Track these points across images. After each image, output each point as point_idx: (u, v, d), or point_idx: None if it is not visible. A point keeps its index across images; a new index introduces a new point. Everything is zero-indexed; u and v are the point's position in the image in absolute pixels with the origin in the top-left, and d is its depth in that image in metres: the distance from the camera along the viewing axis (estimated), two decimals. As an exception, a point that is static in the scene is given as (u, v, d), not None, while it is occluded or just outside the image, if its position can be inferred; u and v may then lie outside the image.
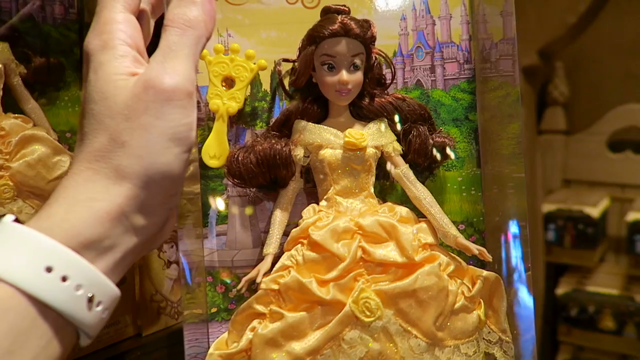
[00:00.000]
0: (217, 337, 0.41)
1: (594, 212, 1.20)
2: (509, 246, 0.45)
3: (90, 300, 0.30)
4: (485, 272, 0.42)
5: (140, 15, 0.37)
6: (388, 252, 0.39)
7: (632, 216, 1.19)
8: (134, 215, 0.33)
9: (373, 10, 0.46)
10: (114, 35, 0.35)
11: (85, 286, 0.30)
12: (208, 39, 0.36)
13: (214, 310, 0.45)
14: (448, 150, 0.44)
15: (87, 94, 0.34)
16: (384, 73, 0.45)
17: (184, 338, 0.44)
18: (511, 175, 0.47)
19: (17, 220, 0.31)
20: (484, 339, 0.41)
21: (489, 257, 0.41)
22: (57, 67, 0.57)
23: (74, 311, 0.30)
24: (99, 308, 0.31)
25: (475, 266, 0.43)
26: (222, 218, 0.46)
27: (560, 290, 1.21)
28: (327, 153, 0.41)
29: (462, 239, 0.41)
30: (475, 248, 0.40)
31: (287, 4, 0.45)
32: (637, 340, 1.19)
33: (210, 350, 0.40)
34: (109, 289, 0.32)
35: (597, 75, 1.21)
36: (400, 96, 0.44)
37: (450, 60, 0.47)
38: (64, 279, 0.29)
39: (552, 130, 1.26)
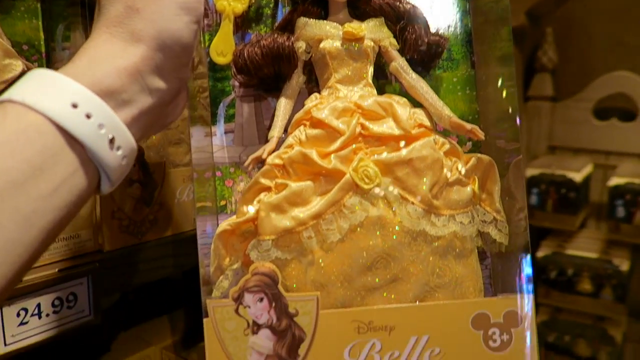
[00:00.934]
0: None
1: (577, 177, 1.23)
2: (504, 135, 0.48)
3: (112, 142, 0.33)
4: (479, 155, 0.44)
5: None
6: (385, 126, 0.41)
7: (614, 181, 1.22)
8: (149, 76, 0.36)
9: None
10: None
11: (107, 127, 0.32)
12: None
13: (222, 202, 0.47)
14: (442, 47, 0.47)
15: None
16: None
17: (197, 229, 0.46)
18: (504, 74, 0.49)
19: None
20: (479, 220, 0.44)
21: (481, 135, 0.43)
22: None
23: (97, 147, 0.32)
24: (119, 152, 0.34)
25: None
26: (230, 117, 0.48)
27: (541, 253, 1.24)
28: (327, 44, 0.44)
29: (455, 118, 0.43)
30: (468, 125, 0.43)
31: None
32: (613, 302, 1.22)
33: (220, 225, 0.42)
34: (128, 138, 0.34)
35: (586, 42, 1.25)
36: (396, -4, 0.47)
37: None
38: (88, 116, 0.32)
39: (539, 96, 1.29)
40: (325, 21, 0.45)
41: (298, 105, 0.46)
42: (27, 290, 0.49)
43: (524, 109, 1.31)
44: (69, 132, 0.31)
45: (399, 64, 0.45)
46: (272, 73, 0.45)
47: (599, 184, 1.29)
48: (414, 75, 0.45)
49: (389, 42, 0.46)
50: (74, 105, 0.31)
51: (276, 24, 0.48)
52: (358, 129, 0.41)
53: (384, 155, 0.41)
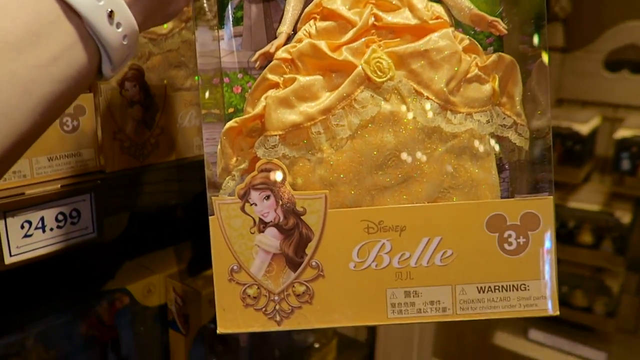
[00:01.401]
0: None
1: (583, 129, 1.21)
2: (528, 40, 0.45)
3: (111, 15, 0.31)
4: (501, 53, 0.42)
5: None
6: (400, 16, 0.39)
7: (620, 133, 1.20)
8: None
9: None
10: None
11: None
12: None
13: (230, 110, 0.45)
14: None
15: None
16: None
17: (203, 137, 0.44)
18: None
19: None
20: (498, 124, 0.42)
21: (504, 29, 0.41)
22: None
23: (95, 19, 0.30)
24: (119, 30, 0.32)
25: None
26: (238, 20, 0.46)
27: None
28: None
29: (476, 10, 0.41)
30: (489, 17, 0.40)
31: None
32: (613, 254, 1.22)
33: (227, 123, 0.40)
34: (128, 15, 0.32)
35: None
36: None
37: None
38: None
39: (549, 46, 1.26)
40: None
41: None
42: (31, 202, 0.48)
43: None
44: (66, 1, 0.29)
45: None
46: (279, -32, 0.43)
47: (606, 136, 1.27)
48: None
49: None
50: None
51: None
52: (371, 20, 0.39)
53: (398, 46, 0.38)
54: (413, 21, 0.39)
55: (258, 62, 0.40)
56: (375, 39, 0.39)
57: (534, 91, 0.43)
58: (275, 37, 0.44)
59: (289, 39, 0.41)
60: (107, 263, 0.66)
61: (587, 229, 1.22)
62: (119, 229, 0.62)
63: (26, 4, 0.28)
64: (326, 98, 0.38)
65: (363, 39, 0.39)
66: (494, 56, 0.41)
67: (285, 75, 0.39)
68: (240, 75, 0.46)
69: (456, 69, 0.39)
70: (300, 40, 0.40)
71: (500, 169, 0.43)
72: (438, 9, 0.41)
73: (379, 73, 0.38)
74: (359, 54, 0.38)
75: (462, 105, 0.39)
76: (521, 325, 1.34)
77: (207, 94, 0.45)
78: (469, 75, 0.40)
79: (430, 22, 0.39)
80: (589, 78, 1.28)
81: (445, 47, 0.38)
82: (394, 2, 0.39)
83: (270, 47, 0.40)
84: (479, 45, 0.42)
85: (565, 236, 1.23)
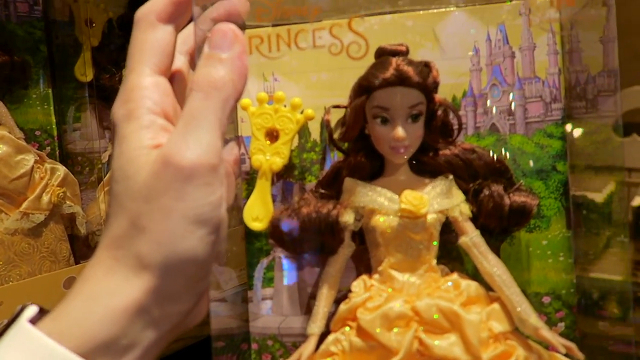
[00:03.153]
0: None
1: (598, 196, 1.07)
2: (607, 326, 0.38)
3: None
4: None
5: (175, 76, 0.34)
6: (449, 345, 0.32)
7: (638, 200, 1.06)
8: (155, 308, 0.30)
9: (438, 43, 0.40)
10: (140, 103, 0.32)
11: None
12: (238, 99, 0.32)
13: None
14: (529, 212, 0.37)
15: (111, 171, 0.31)
16: (450, 120, 0.38)
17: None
18: (612, 239, 0.38)
19: (39, 310, 0.29)
20: None
21: (580, 356, 0.33)
22: (20, 65, 0.56)
23: None
24: None
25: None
26: (268, 280, 0.42)
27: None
28: (379, 221, 0.36)
29: (544, 331, 0.33)
30: (561, 344, 0.33)
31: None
32: None
33: None
34: None
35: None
36: (469, 146, 0.38)
37: (533, 99, 0.39)
38: None
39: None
40: (378, 188, 0.37)
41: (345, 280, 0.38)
42: None
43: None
44: None
45: (471, 239, 0.36)
46: (313, 248, 0.38)
47: (623, 202, 1.12)
48: (491, 258, 0.36)
49: (459, 210, 0.36)
50: None
51: (321, 176, 0.40)
52: (415, 345, 0.33)
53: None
54: (464, 357, 0.32)
55: (287, 373, 0.36)
56: (420, 369, 0.33)
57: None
58: (308, 304, 0.40)
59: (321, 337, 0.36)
60: None
61: (613, 300, 1.07)
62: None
63: None
64: None
65: (406, 370, 0.33)
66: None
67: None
68: (270, 342, 0.42)
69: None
70: (330, 354, 0.35)
71: None
72: (497, 318, 0.34)
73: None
74: (399, 390, 0.33)
75: None
76: None
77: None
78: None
79: (486, 357, 0.32)
80: (598, 143, 1.13)
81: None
82: (443, 324, 0.33)
83: (298, 358, 0.35)
84: (546, 356, 0.34)
85: (590, 308, 1.09)
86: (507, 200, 0.36)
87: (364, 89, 0.35)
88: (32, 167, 0.54)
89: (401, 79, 0.34)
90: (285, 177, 0.42)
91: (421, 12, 0.39)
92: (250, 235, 0.42)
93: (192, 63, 0.38)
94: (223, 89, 0.31)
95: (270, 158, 0.39)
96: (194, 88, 0.31)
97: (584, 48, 0.39)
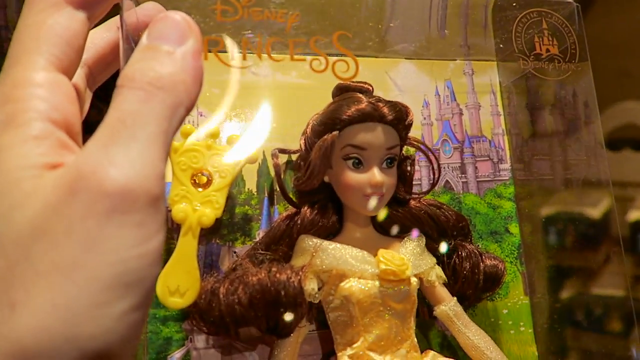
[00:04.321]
0: None
1: (594, 212, 1.19)
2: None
3: None
4: None
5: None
6: None
7: (634, 215, 1.21)
8: None
9: (389, 91, 0.36)
10: (26, 105, 0.20)
11: None
12: (189, 110, 0.22)
13: None
14: (502, 275, 0.33)
15: None
16: (413, 169, 0.33)
17: None
18: (567, 304, 0.37)
19: None
20: None
21: None
22: None
23: None
24: None
25: None
26: (180, 386, 0.30)
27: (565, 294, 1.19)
28: (354, 288, 0.28)
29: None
30: None
31: (283, 77, 0.33)
32: None
33: None
34: None
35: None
36: (434, 202, 0.33)
37: (482, 158, 0.38)
38: None
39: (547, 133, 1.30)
40: (348, 247, 0.29)
41: None
42: None
43: (533, 145, 1.32)
44: None
45: (451, 309, 0.31)
46: (263, 329, 0.28)
47: (619, 216, 1.27)
48: (474, 329, 0.30)
49: (435, 274, 0.31)
50: None
51: (258, 235, 0.31)
52: None
53: None
54: None
55: None
56: None
57: None
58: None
59: None
60: None
61: (615, 316, 1.15)
62: None
63: None
64: None
65: None
66: None
67: None
68: None
69: None
70: None
71: None
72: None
73: None
74: None
75: None
76: None
77: None
78: None
79: None
80: (591, 158, 1.29)
81: None
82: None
83: None
84: None
85: (593, 324, 1.14)
86: (482, 266, 0.32)
87: (332, 124, 0.29)
88: None
89: (380, 115, 0.29)
90: (210, 238, 0.31)
91: (371, 58, 0.36)
92: (155, 319, 0.30)
93: (90, 79, 0.27)
94: (172, 90, 0.21)
95: (199, 209, 0.29)
96: (127, 85, 0.21)
97: (518, 111, 0.39)
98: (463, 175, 0.37)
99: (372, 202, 0.29)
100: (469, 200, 0.36)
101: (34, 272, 0.17)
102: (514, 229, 0.37)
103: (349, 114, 0.29)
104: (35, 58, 0.21)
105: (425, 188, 0.35)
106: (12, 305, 0.17)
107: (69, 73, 0.23)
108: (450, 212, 0.33)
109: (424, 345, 0.32)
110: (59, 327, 0.17)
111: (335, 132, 0.29)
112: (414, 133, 0.36)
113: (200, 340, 0.30)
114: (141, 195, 0.19)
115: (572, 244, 0.40)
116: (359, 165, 0.29)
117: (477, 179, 0.37)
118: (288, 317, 0.27)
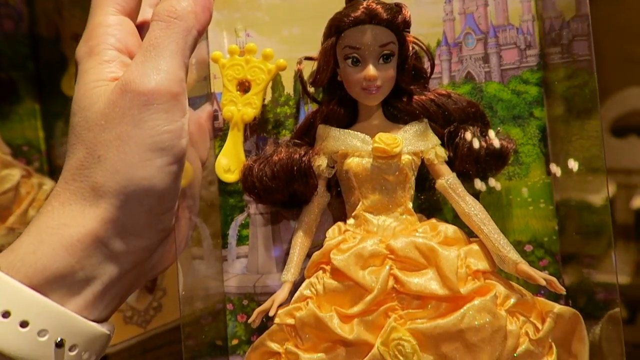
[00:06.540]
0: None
1: (597, 199, 1.07)
2: (590, 273, 0.36)
3: (60, 344, 0.26)
4: (558, 307, 0.33)
5: (143, 27, 0.33)
6: (426, 281, 0.31)
7: (637, 202, 1.08)
8: (114, 240, 0.29)
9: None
10: (102, 39, 0.32)
11: (52, 330, 0.26)
12: (201, 33, 0.32)
13: (235, 342, 0.40)
14: (506, 155, 0.36)
15: (71, 105, 0.31)
16: (423, 65, 0.37)
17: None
18: (591, 182, 0.37)
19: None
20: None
21: (561, 289, 0.32)
22: (6, 82, 0.56)
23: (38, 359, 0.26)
24: (74, 352, 0.27)
25: (547, 298, 0.34)
26: (243, 239, 0.41)
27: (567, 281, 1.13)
28: (353, 162, 0.35)
29: (524, 265, 0.32)
30: (541, 277, 0.32)
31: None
32: None
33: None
34: (86, 329, 0.28)
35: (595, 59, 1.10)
36: (444, 92, 0.37)
37: (508, 47, 0.39)
38: (24, 324, 0.26)
39: (553, 116, 1.18)
40: (351, 131, 0.36)
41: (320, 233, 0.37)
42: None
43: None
44: None
45: (447, 182, 0.35)
46: (286, 196, 0.37)
47: (623, 203, 1.13)
48: (468, 199, 0.35)
49: (435, 153, 0.35)
50: (5, 314, 0.25)
51: (296, 127, 0.39)
52: (391, 283, 0.31)
53: (425, 323, 0.31)
54: (441, 291, 0.31)
55: (256, 322, 0.34)
56: (395, 307, 0.31)
57: (603, 350, 0.33)
58: (285, 260, 0.38)
59: (295, 286, 0.35)
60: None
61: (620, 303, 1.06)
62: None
63: None
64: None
65: (381, 308, 0.31)
66: (549, 321, 0.32)
67: (287, 345, 0.33)
68: (245, 302, 0.40)
69: (500, 349, 0.30)
70: (305, 299, 0.33)
71: None
72: (475, 257, 0.33)
73: (400, 358, 0.30)
74: (375, 328, 0.31)
75: (512, 393, 0.30)
76: None
77: (210, 324, 0.39)
78: (518, 352, 0.31)
79: (463, 290, 0.30)
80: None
81: (484, 325, 0.30)
82: (418, 260, 0.32)
83: (271, 305, 0.34)
84: (529, 297, 0.33)
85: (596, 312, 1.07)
86: (483, 143, 0.35)
87: (333, 29, 0.35)
88: (19, 182, 0.54)
89: (370, 17, 0.34)
90: (259, 131, 0.41)
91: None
92: (224, 192, 0.41)
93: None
94: (185, 18, 0.31)
95: (242, 109, 0.39)
96: (154, 19, 0.31)
97: (556, -5, 0.39)
98: (486, 65, 0.39)
99: (370, 94, 0.35)
100: (491, 89, 0.39)
101: (107, 140, 0.29)
102: (539, 113, 0.38)
103: (344, 21, 0.34)
104: (107, 7, 0.32)
105: (445, 82, 0.39)
106: (98, 158, 0.29)
107: (131, 15, 0.33)
108: (459, 99, 0.36)
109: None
110: (124, 172, 0.28)
111: (334, 38, 0.35)
112: (435, 30, 0.39)
113: (253, 208, 0.40)
114: (165, 93, 0.30)
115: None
116: (357, 62, 0.35)
117: (501, 67, 0.39)
118: (302, 187, 0.36)
